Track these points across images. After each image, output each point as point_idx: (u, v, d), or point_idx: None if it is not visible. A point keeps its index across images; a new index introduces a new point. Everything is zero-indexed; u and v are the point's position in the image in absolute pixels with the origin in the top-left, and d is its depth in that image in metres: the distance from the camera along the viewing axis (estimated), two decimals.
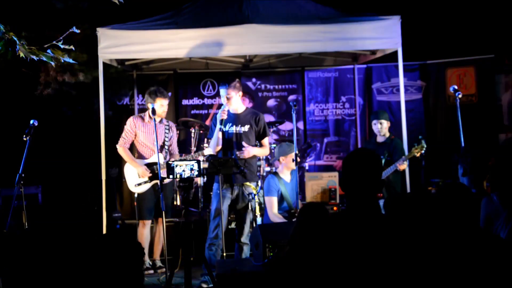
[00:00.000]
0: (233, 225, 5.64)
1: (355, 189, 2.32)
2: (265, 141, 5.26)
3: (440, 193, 2.66)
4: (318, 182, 5.93)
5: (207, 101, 7.87)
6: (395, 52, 5.73)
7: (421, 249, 2.31)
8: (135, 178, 5.52)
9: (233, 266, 3.99)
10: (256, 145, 5.22)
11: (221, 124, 4.97)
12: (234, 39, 5.51)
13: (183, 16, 5.83)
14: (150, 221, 5.63)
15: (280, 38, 5.54)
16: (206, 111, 7.84)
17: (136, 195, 5.54)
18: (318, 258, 2.24)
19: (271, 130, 7.14)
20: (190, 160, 4.45)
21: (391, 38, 5.65)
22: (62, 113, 7.00)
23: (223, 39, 5.50)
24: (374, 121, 6.03)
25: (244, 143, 5.06)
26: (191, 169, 4.37)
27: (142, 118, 5.62)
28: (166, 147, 5.63)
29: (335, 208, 5.79)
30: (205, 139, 6.36)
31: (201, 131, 6.88)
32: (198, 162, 4.43)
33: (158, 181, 5.05)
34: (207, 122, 7.46)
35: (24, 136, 4.75)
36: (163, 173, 5.02)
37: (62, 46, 4.08)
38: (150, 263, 5.67)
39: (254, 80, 7.97)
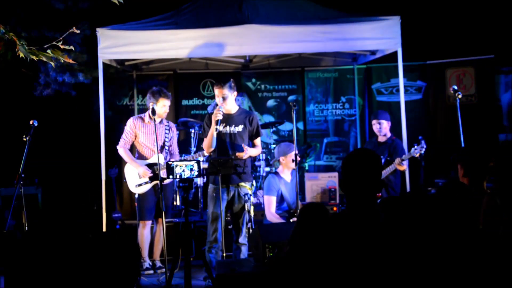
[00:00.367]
0: (231, 226, 5.63)
1: (354, 189, 2.33)
2: (258, 141, 5.22)
3: (440, 193, 2.66)
4: (318, 182, 5.93)
5: (207, 102, 7.87)
6: (395, 53, 5.73)
7: (420, 249, 2.31)
8: (136, 179, 5.52)
9: (233, 267, 3.99)
10: (248, 145, 5.19)
11: (217, 124, 4.92)
12: (234, 40, 5.51)
13: (183, 16, 5.82)
14: (150, 222, 5.63)
15: (280, 38, 5.54)
16: (206, 112, 7.84)
17: (136, 196, 5.54)
18: (318, 258, 2.24)
19: (271, 130, 7.14)
20: (190, 161, 4.45)
21: (391, 39, 5.65)
22: (62, 114, 7.00)
23: (223, 39, 5.50)
24: (373, 121, 6.04)
25: (243, 145, 5.04)
26: (191, 170, 4.37)
27: (142, 119, 5.62)
28: (167, 147, 5.64)
29: (334, 208, 5.79)
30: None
31: (201, 132, 6.88)
32: (198, 162, 4.42)
33: (158, 182, 5.06)
34: None
35: (24, 136, 4.74)
36: (163, 173, 5.02)
37: (62, 47, 4.08)
38: (150, 263, 5.67)
39: (254, 80, 7.97)
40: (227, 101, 5.03)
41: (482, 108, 7.47)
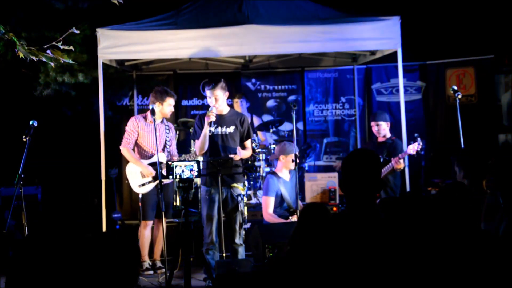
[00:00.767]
0: None
1: (354, 190, 2.33)
2: (248, 143, 5.17)
3: (440, 194, 2.67)
4: (318, 182, 5.94)
5: (206, 102, 7.86)
6: (395, 53, 5.73)
7: (420, 250, 2.31)
8: (139, 179, 5.50)
9: (233, 267, 3.99)
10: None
11: (210, 126, 4.86)
12: (234, 40, 5.51)
13: (183, 16, 5.82)
14: (152, 222, 5.63)
15: (280, 38, 5.54)
16: (205, 112, 7.83)
17: (140, 196, 5.51)
18: (318, 259, 2.24)
19: (271, 130, 7.14)
20: (189, 161, 4.45)
21: (390, 39, 5.65)
22: (62, 114, 7.00)
23: (223, 39, 5.49)
24: (372, 123, 6.05)
25: (238, 148, 5.03)
26: (191, 170, 4.37)
27: (144, 118, 5.60)
28: (167, 147, 5.64)
29: (334, 208, 5.80)
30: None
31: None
32: (198, 162, 4.42)
33: (168, 180, 5.09)
34: None
35: (24, 136, 4.74)
36: (164, 173, 5.03)
37: (61, 47, 4.08)
38: (150, 263, 5.67)
39: (253, 80, 7.97)
40: (220, 102, 5.00)
41: (482, 108, 7.47)
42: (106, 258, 2.14)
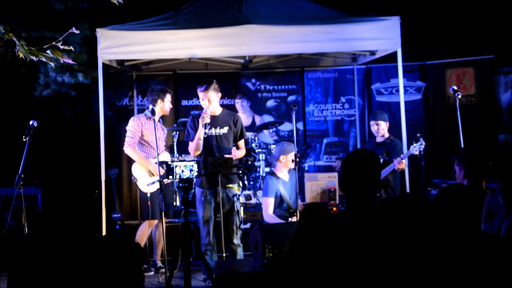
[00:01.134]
0: None
1: (354, 190, 2.32)
2: (242, 143, 5.17)
3: (440, 194, 2.66)
4: (318, 182, 5.94)
5: None
6: (395, 53, 5.73)
7: (420, 250, 2.31)
8: (147, 178, 5.48)
9: (233, 267, 3.99)
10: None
11: (205, 128, 4.84)
12: (234, 40, 5.51)
13: (183, 16, 5.82)
14: (156, 221, 5.61)
15: (280, 38, 5.54)
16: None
17: (148, 195, 5.49)
18: (318, 259, 2.24)
19: (271, 130, 7.14)
20: (189, 161, 4.45)
21: (390, 39, 5.65)
22: (62, 114, 7.00)
23: (222, 39, 5.49)
24: (371, 122, 6.05)
25: (233, 149, 5.02)
26: (191, 170, 4.37)
27: (146, 117, 5.59)
28: (164, 146, 5.67)
29: (334, 208, 5.80)
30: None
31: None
32: (198, 162, 4.42)
33: (167, 180, 5.08)
34: None
35: (24, 136, 4.74)
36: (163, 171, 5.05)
37: (61, 47, 4.08)
38: (151, 263, 5.68)
39: (253, 80, 7.97)
40: (213, 103, 4.98)
41: (482, 108, 7.48)
42: (109, 259, 2.14)
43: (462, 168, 3.62)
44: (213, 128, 4.97)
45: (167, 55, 5.93)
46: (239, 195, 5.05)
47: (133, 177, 5.55)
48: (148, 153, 5.53)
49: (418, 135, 5.54)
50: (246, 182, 6.72)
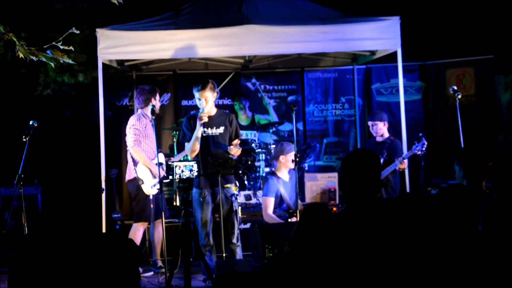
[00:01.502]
0: None
1: (354, 190, 2.32)
2: (236, 143, 5.13)
3: (440, 194, 2.66)
4: (318, 182, 5.93)
5: None
6: (395, 53, 5.73)
7: (420, 250, 2.31)
8: (151, 179, 5.45)
9: (233, 267, 3.99)
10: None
11: (204, 127, 4.83)
12: (234, 40, 5.51)
13: (183, 16, 5.82)
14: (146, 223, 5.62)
15: (280, 38, 5.54)
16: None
17: (151, 197, 5.47)
18: (318, 259, 2.24)
19: (271, 130, 7.14)
20: (189, 161, 4.45)
21: (390, 39, 5.65)
22: (62, 114, 7.00)
23: (222, 39, 5.49)
24: (369, 123, 6.07)
25: (234, 142, 5.00)
26: (191, 170, 4.37)
27: (144, 117, 5.57)
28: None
29: (334, 208, 5.79)
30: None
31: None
32: (198, 162, 4.42)
33: (166, 181, 5.05)
34: None
35: (24, 136, 4.74)
36: (162, 173, 5.05)
37: (61, 47, 4.08)
38: (151, 263, 5.69)
39: (253, 80, 7.97)
40: (210, 103, 4.96)
41: (482, 108, 7.47)
42: (107, 258, 2.14)
43: (461, 168, 3.62)
44: (209, 128, 4.95)
45: (167, 55, 5.92)
46: (236, 195, 5.05)
47: (138, 180, 5.43)
48: (148, 154, 5.52)
49: (420, 134, 5.54)
50: (246, 182, 6.72)
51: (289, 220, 5.32)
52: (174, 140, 7.01)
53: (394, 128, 6.34)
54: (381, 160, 5.62)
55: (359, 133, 7.89)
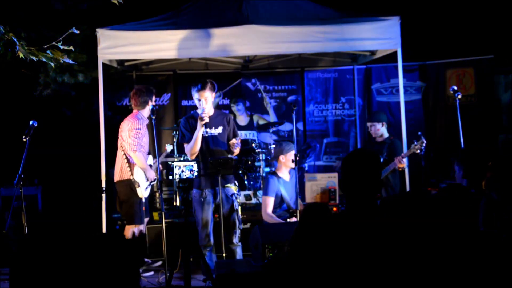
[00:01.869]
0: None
1: (354, 190, 2.32)
2: (234, 142, 5.10)
3: (440, 194, 2.67)
4: (318, 182, 5.93)
5: None
6: (395, 53, 5.73)
7: (420, 250, 2.31)
8: (145, 183, 5.42)
9: (233, 267, 3.99)
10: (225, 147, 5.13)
11: (206, 128, 4.81)
12: (234, 40, 5.50)
13: (183, 16, 5.82)
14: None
15: (280, 38, 5.54)
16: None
17: (143, 199, 5.45)
18: (318, 259, 2.24)
19: (271, 130, 7.14)
20: (189, 161, 4.45)
21: (390, 39, 5.65)
22: (62, 114, 7.01)
23: (222, 39, 5.49)
24: (367, 124, 6.07)
25: (233, 139, 5.00)
26: (191, 170, 4.37)
27: (144, 119, 5.53)
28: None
29: (334, 208, 5.79)
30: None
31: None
32: (198, 162, 4.42)
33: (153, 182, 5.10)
34: None
35: (24, 136, 4.73)
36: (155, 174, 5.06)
37: (61, 47, 4.08)
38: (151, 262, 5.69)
39: (253, 80, 7.97)
40: (208, 103, 4.92)
41: (482, 108, 7.48)
42: (107, 258, 2.15)
43: (461, 168, 3.62)
44: (208, 128, 4.94)
45: (167, 55, 5.92)
46: (237, 194, 5.04)
47: (135, 183, 5.33)
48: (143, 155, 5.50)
49: (419, 133, 5.54)
50: (246, 182, 6.72)
51: (289, 220, 5.31)
52: (174, 140, 7.01)
53: (394, 128, 6.34)
54: (381, 160, 5.63)
55: (359, 133, 7.89)
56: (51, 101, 6.66)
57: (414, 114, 7.78)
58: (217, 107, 5.11)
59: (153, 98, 5.53)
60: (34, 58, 4.04)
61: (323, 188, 5.90)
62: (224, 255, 4.84)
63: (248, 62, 7.68)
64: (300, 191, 5.83)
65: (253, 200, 6.55)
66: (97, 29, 5.48)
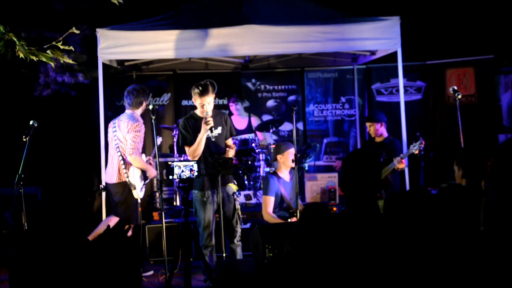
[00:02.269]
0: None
1: (354, 190, 2.32)
2: (230, 141, 5.12)
3: (440, 194, 2.66)
4: (318, 182, 5.94)
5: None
6: (395, 53, 5.74)
7: (420, 250, 2.31)
8: (140, 183, 5.38)
9: (233, 267, 3.99)
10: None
11: (211, 131, 4.78)
12: (234, 40, 5.50)
13: (183, 16, 5.82)
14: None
15: (280, 38, 5.54)
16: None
17: (139, 200, 5.42)
18: (319, 259, 2.24)
19: (271, 130, 7.14)
20: (189, 161, 4.45)
21: (390, 39, 5.65)
22: (62, 114, 7.01)
23: (222, 39, 5.49)
24: (367, 124, 6.09)
25: (230, 143, 5.01)
26: (191, 170, 4.37)
27: (140, 121, 5.50)
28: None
29: (334, 208, 5.80)
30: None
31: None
32: (198, 162, 4.42)
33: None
34: None
35: (24, 136, 4.73)
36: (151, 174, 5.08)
37: (61, 47, 4.08)
38: (151, 263, 5.69)
39: (253, 80, 7.97)
40: (210, 105, 4.89)
41: (482, 108, 7.48)
42: (107, 258, 2.14)
43: (461, 168, 3.62)
44: (209, 131, 4.92)
45: (167, 55, 5.91)
46: (237, 194, 5.04)
47: (130, 185, 5.22)
48: None
49: (418, 134, 5.54)
50: (246, 182, 6.72)
51: (289, 220, 5.32)
52: (174, 140, 7.01)
53: (394, 128, 6.34)
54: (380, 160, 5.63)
55: (359, 133, 7.89)
56: (51, 101, 6.66)
57: (414, 114, 7.77)
58: (214, 107, 5.07)
59: (148, 100, 5.47)
60: (34, 58, 4.04)
61: (323, 188, 5.91)
62: (224, 255, 4.84)
63: (248, 62, 7.68)
64: (300, 191, 5.84)
65: (253, 200, 6.56)
66: (97, 29, 5.48)
